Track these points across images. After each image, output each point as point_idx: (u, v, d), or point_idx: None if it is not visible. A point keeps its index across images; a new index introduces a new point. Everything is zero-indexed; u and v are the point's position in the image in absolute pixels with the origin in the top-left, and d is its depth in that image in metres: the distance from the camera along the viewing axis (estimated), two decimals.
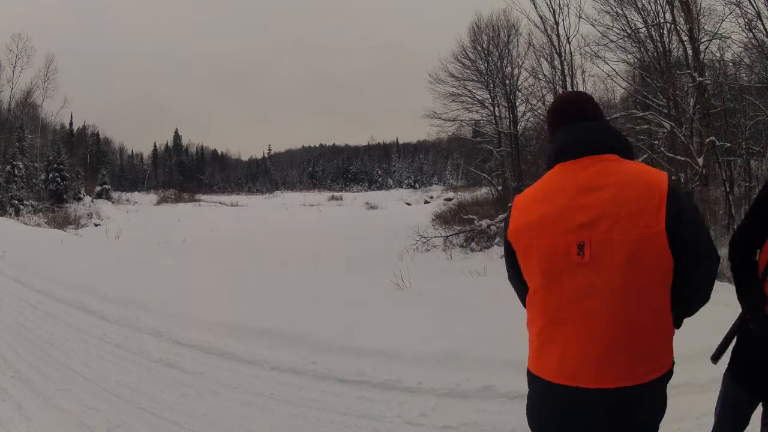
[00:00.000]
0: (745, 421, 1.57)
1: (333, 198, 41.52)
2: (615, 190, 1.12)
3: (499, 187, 17.50)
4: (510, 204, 1.32)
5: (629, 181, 1.13)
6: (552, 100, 1.67)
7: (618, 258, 1.11)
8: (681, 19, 9.58)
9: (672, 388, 2.87)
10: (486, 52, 17.10)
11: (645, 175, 1.13)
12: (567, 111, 1.29)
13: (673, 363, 1.29)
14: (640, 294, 1.13)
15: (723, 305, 4.42)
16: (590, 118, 1.26)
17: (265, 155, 69.12)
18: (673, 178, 1.41)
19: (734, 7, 8.90)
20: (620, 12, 10.98)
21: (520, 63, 16.38)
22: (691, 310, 1.33)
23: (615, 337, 1.14)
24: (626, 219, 1.10)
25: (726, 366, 1.68)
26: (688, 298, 1.25)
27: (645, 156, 11.81)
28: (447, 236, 13.43)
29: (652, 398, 1.26)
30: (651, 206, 1.09)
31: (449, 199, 25.86)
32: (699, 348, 3.15)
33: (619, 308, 1.13)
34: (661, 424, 2.37)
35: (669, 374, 1.28)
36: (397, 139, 69.52)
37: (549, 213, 1.17)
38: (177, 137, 61.26)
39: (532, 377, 1.27)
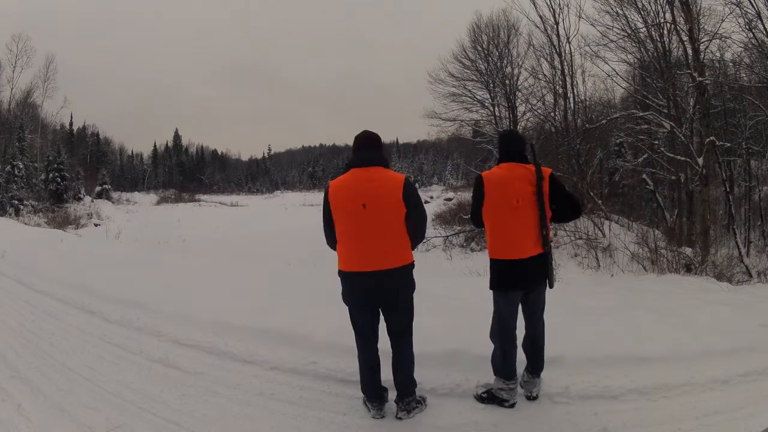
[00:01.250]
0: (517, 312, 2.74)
1: None
2: (382, 181, 2.43)
3: None
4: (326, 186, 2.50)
5: (388, 178, 2.44)
6: (360, 133, 2.59)
7: (383, 209, 2.40)
8: (681, 19, 9.57)
9: (672, 388, 2.89)
10: (486, 52, 17.09)
11: (395, 175, 2.46)
12: (365, 141, 2.54)
13: (413, 260, 2.54)
14: (393, 224, 2.43)
15: (722, 305, 4.43)
16: (376, 147, 2.54)
17: (265, 155, 69.11)
18: (410, 176, 2.61)
19: (734, 7, 8.88)
20: (620, 12, 10.96)
21: (520, 63, 16.38)
22: (416, 237, 2.54)
23: (382, 244, 2.43)
24: (388, 194, 2.41)
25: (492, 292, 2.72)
26: (413, 227, 2.50)
27: (645, 156, 11.83)
28: (447, 236, 13.41)
29: (400, 275, 2.47)
30: (398, 188, 2.41)
31: (449, 199, 25.82)
32: (698, 349, 3.16)
33: (383, 232, 2.42)
34: (661, 425, 2.42)
35: (412, 264, 2.54)
36: (397, 139, 69.46)
37: (350, 189, 2.42)
38: (177, 137, 61.29)
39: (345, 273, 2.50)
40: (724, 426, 2.40)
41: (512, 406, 2.64)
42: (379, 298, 2.48)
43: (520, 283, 2.65)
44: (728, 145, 9.87)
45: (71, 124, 40.71)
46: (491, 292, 2.72)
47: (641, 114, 10.41)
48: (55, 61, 26.49)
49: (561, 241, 10.16)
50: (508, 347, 2.67)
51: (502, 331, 2.67)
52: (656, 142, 10.78)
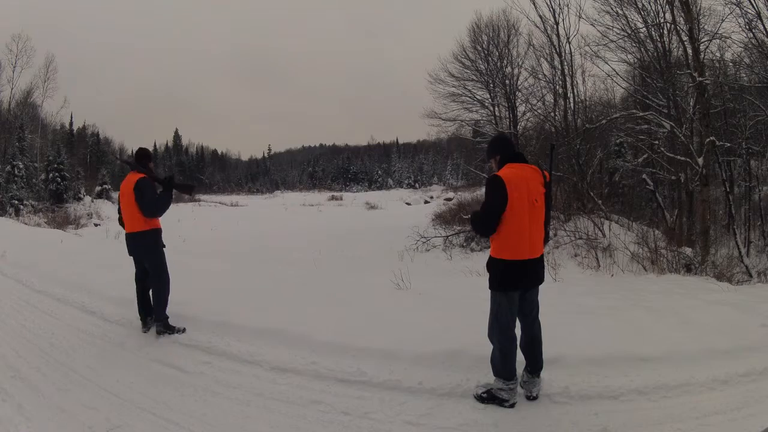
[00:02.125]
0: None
1: (333, 198, 41.51)
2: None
3: None
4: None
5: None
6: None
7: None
8: (681, 19, 9.56)
9: (672, 388, 2.89)
10: (486, 52, 17.07)
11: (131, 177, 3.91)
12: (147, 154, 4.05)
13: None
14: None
15: (722, 305, 4.42)
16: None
17: (265, 155, 69.18)
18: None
19: (734, 7, 8.87)
20: (620, 12, 10.95)
21: (520, 63, 16.34)
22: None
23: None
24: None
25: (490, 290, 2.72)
26: None
27: (645, 156, 11.82)
28: (447, 236, 13.41)
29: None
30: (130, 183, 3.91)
31: (449, 199, 25.85)
32: (698, 349, 3.16)
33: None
34: (661, 424, 2.42)
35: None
36: (397, 139, 69.64)
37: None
38: (177, 137, 61.31)
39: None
40: (724, 426, 2.40)
41: (512, 406, 2.65)
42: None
43: (524, 283, 2.66)
44: (728, 145, 9.86)
45: (71, 124, 40.65)
46: (489, 291, 2.72)
47: (641, 114, 10.40)
48: (55, 61, 26.46)
49: (561, 241, 10.16)
50: (508, 347, 2.67)
51: (501, 332, 2.67)
52: (656, 142, 10.76)
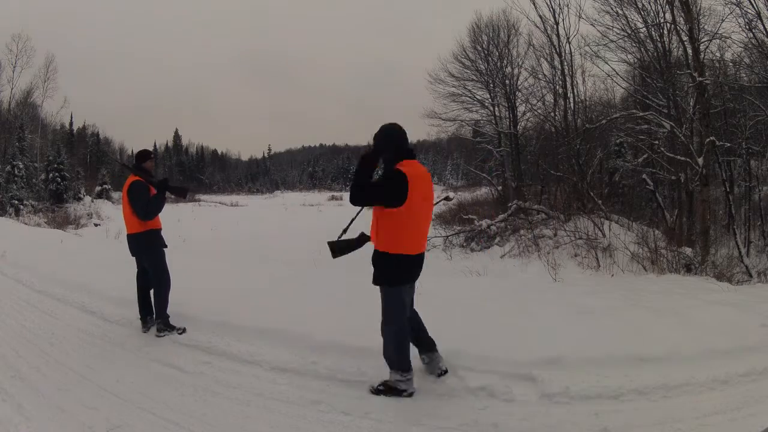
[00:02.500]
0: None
1: (333, 198, 41.50)
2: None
3: (499, 187, 17.50)
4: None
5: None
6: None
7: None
8: (681, 19, 9.56)
9: (672, 388, 2.89)
10: (486, 52, 17.08)
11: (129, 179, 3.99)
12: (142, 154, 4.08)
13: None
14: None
15: (722, 305, 4.42)
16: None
17: (265, 155, 69.19)
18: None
19: (734, 7, 8.88)
20: (620, 12, 10.96)
21: (520, 63, 16.34)
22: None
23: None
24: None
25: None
26: None
27: (645, 156, 11.83)
28: (447, 236, 13.41)
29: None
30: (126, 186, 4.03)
31: (449, 199, 25.81)
32: (698, 349, 3.16)
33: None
34: (661, 424, 2.42)
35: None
36: None
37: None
38: (177, 137, 61.32)
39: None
40: (724, 426, 2.40)
41: (410, 395, 2.75)
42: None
43: (415, 276, 2.83)
44: (728, 145, 9.86)
45: (71, 124, 40.55)
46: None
47: (641, 114, 10.40)
48: (55, 61, 26.39)
49: (561, 241, 10.16)
50: (404, 340, 2.80)
51: (398, 327, 2.78)
52: (656, 142, 10.76)
